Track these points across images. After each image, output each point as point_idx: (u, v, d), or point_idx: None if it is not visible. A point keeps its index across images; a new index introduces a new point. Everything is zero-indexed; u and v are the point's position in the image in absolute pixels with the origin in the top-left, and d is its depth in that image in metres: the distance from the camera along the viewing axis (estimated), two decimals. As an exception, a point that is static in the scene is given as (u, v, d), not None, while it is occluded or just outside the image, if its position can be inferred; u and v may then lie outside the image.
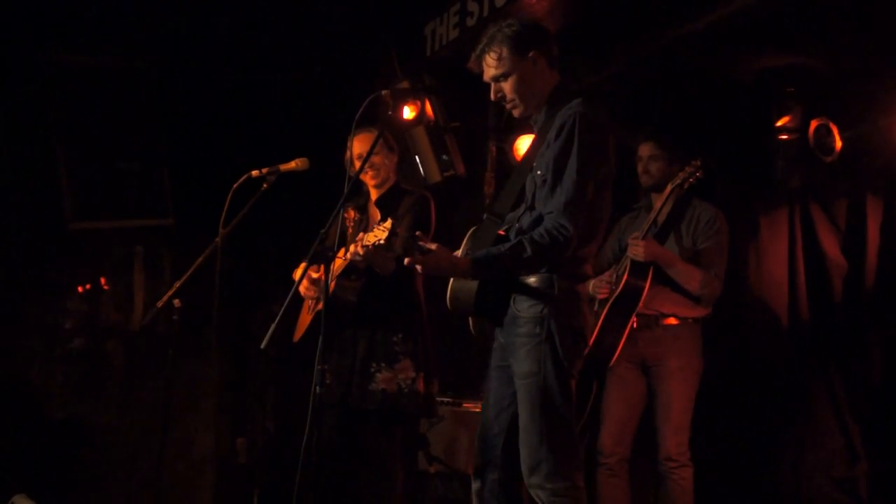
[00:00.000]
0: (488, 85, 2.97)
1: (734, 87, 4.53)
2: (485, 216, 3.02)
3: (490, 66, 2.91)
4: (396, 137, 4.30)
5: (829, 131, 4.24)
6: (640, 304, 3.88)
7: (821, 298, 4.43)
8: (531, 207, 2.90)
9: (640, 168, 4.14)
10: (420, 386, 3.85)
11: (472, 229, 3.07)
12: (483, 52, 2.91)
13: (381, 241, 2.97)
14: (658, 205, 4.05)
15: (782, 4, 3.75)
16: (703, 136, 4.71)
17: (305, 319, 4.10)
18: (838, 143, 4.22)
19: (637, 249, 3.86)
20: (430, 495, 4.71)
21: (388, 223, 2.93)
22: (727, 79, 4.51)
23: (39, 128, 5.24)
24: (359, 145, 3.91)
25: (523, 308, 2.81)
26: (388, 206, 3.99)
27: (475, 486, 2.98)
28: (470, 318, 3.10)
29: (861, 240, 4.32)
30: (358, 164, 3.94)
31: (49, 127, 5.26)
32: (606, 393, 4.11)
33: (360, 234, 3.37)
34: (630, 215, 4.32)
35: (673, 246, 4.02)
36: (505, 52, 2.87)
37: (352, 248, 3.63)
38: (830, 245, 4.42)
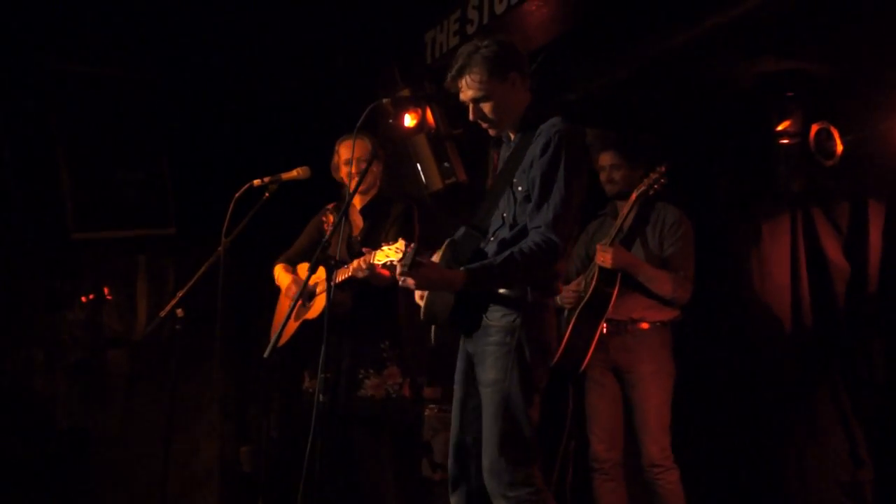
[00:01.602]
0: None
1: (735, 91, 4.54)
2: (463, 229, 3.03)
3: (469, 88, 2.90)
4: (386, 145, 4.32)
5: (830, 135, 4.24)
6: (609, 310, 3.90)
7: (824, 302, 4.42)
8: (513, 223, 2.91)
9: (603, 177, 4.17)
10: (406, 391, 3.92)
11: (447, 241, 3.08)
12: (460, 73, 2.90)
13: (392, 263, 2.97)
14: (624, 211, 4.05)
15: (783, 9, 3.75)
16: (703, 141, 4.72)
17: (288, 324, 4.08)
18: (839, 147, 4.22)
19: (605, 256, 3.87)
20: (435, 502, 4.71)
21: (401, 244, 2.91)
22: (727, 83, 4.51)
23: (42, 137, 5.26)
24: (347, 150, 3.96)
25: (495, 318, 2.84)
26: (372, 214, 4.01)
27: (452, 499, 2.99)
28: (433, 328, 3.11)
29: (863, 243, 4.31)
30: (344, 170, 3.99)
31: (52, 136, 5.27)
32: (588, 400, 4.11)
33: (367, 250, 3.40)
34: (596, 222, 4.33)
35: (640, 251, 4.03)
36: (485, 75, 2.87)
37: (356, 262, 3.64)
38: (832, 249, 4.41)
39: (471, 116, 3.00)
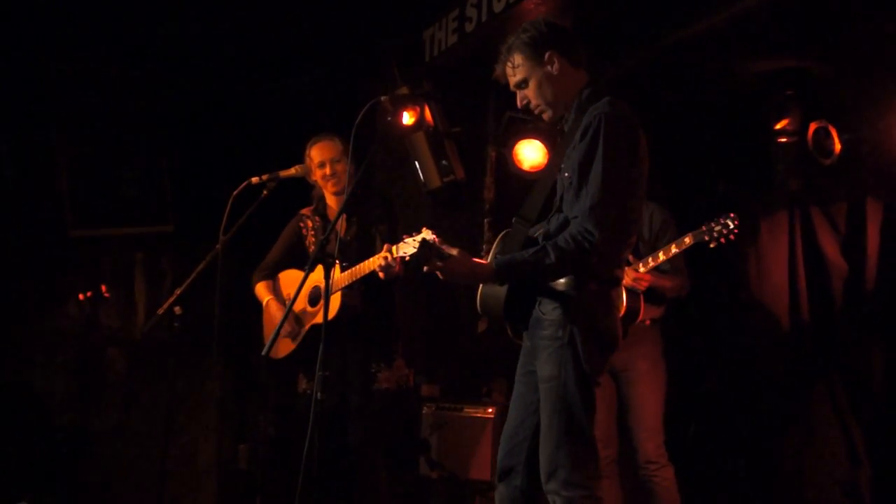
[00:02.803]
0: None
1: (733, 90, 4.54)
2: (514, 220, 2.96)
3: (510, 76, 2.89)
4: (375, 144, 4.32)
5: (829, 134, 4.24)
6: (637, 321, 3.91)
7: (821, 301, 4.43)
8: (559, 210, 2.84)
9: None
10: (411, 381, 3.97)
11: (502, 233, 3.03)
12: (503, 62, 2.89)
13: (407, 257, 2.95)
14: None
15: (781, 8, 3.75)
16: (702, 139, 4.72)
17: (285, 342, 4.08)
18: (837, 146, 4.22)
19: (641, 283, 3.85)
20: (432, 500, 4.71)
21: (428, 233, 2.86)
22: (726, 82, 4.51)
23: (41, 135, 5.26)
24: (318, 152, 3.97)
25: (547, 311, 2.76)
26: (355, 212, 4.01)
27: (498, 490, 2.95)
28: (507, 323, 3.07)
29: (861, 242, 4.31)
30: (318, 172, 4.00)
31: (50, 134, 5.27)
32: None
33: (387, 245, 3.46)
34: None
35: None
36: (520, 58, 2.84)
37: (379, 258, 3.60)
38: (830, 248, 4.42)
39: (518, 104, 2.94)
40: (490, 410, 4.62)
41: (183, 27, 5.22)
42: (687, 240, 3.81)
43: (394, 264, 3.56)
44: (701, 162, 4.76)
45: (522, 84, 2.87)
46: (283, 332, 4.00)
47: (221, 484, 5.63)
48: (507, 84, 2.93)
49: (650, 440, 3.90)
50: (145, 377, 5.40)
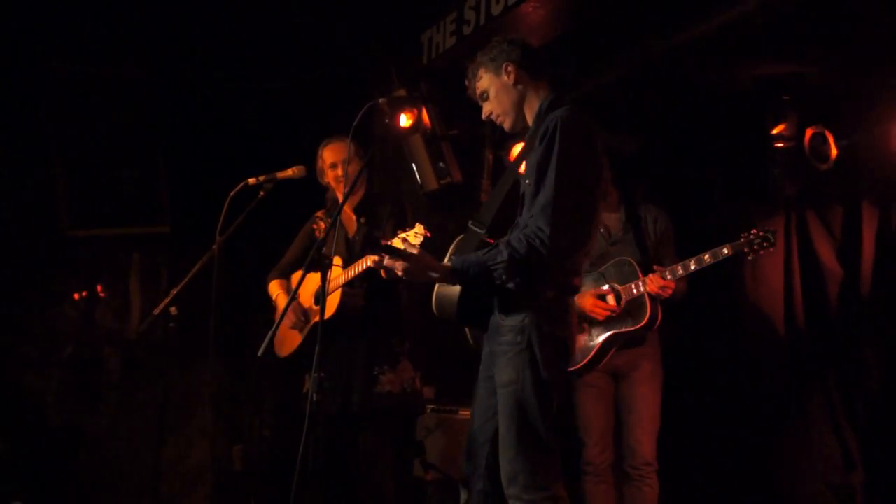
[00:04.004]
0: None
1: (730, 94, 4.55)
2: (469, 223, 3.01)
3: (475, 88, 3.05)
4: (375, 145, 4.32)
5: (825, 139, 4.24)
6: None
7: (817, 305, 4.43)
8: (520, 215, 2.90)
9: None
10: (417, 384, 3.94)
11: (458, 238, 3.06)
12: (470, 79, 3.06)
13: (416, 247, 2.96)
14: (615, 217, 4.10)
15: (778, 13, 3.76)
16: (699, 144, 4.73)
17: (293, 337, 4.08)
18: (834, 151, 4.23)
19: (667, 292, 3.81)
20: (426, 502, 4.70)
21: (420, 228, 2.86)
22: (723, 86, 4.52)
23: (37, 135, 5.25)
24: (329, 154, 3.97)
25: (507, 317, 2.79)
26: (367, 212, 4.02)
27: (463, 496, 2.99)
28: (466, 328, 3.11)
29: (856, 247, 4.32)
30: (330, 174, 4.01)
31: (46, 134, 5.26)
32: (582, 403, 4.08)
33: (381, 234, 3.43)
34: None
35: (634, 249, 4.02)
36: (482, 71, 3.01)
37: (367, 258, 3.62)
38: (826, 252, 4.43)
39: (483, 115, 3.07)
40: (485, 413, 4.61)
41: (180, 27, 5.22)
42: (725, 251, 3.72)
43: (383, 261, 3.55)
44: (698, 166, 4.77)
45: (484, 95, 3.03)
46: (288, 322, 4.00)
47: (215, 485, 5.62)
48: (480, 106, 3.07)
49: (650, 443, 3.91)
50: (140, 377, 5.39)
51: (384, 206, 4.05)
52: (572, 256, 2.81)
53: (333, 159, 3.98)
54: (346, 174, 3.96)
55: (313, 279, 4.01)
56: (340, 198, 4.09)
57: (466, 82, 3.08)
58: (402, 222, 3.96)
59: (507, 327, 2.78)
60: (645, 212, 4.13)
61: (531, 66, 2.99)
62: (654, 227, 4.09)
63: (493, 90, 3.00)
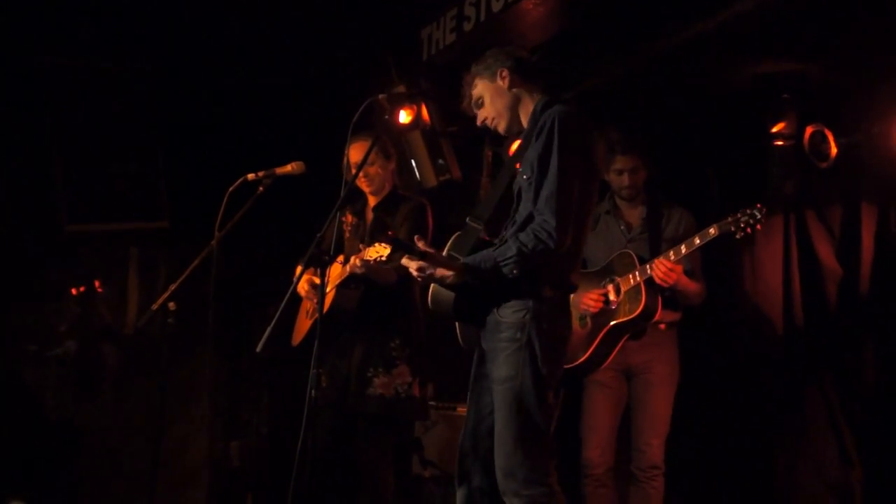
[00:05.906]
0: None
1: (729, 92, 4.54)
2: (467, 220, 3.04)
3: (470, 97, 3.09)
4: (393, 143, 4.31)
5: (824, 138, 4.24)
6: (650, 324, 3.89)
7: (815, 305, 4.43)
8: (516, 210, 2.93)
9: (626, 180, 4.10)
10: (415, 391, 3.89)
11: (455, 235, 3.09)
12: (465, 90, 3.11)
13: (383, 258, 2.96)
14: (636, 214, 4.10)
15: (778, 11, 3.75)
16: (698, 142, 4.72)
17: (304, 324, 4.11)
18: (833, 150, 4.22)
19: (671, 276, 3.71)
20: (424, 499, 4.71)
21: (381, 248, 2.92)
22: (722, 84, 4.51)
23: (35, 130, 5.24)
24: (355, 153, 3.93)
25: (506, 314, 2.81)
26: (385, 212, 4.01)
27: (459, 493, 2.99)
28: (457, 325, 3.12)
29: (856, 246, 4.32)
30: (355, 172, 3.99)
31: (45, 129, 5.25)
32: (590, 403, 4.07)
33: (361, 246, 3.40)
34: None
35: (648, 247, 4.01)
36: (477, 79, 3.06)
37: (352, 259, 3.65)
38: (825, 251, 4.42)
39: (478, 122, 3.11)
40: (483, 410, 4.61)
41: (179, 22, 5.20)
42: (712, 231, 3.58)
43: (360, 267, 3.56)
44: (697, 165, 4.77)
45: (479, 102, 3.07)
46: (307, 308, 4.00)
47: (213, 481, 5.62)
48: (475, 117, 3.11)
49: (658, 445, 3.91)
50: (138, 373, 5.38)
51: (401, 206, 4.03)
52: (577, 245, 2.86)
53: (356, 159, 3.94)
54: (367, 174, 3.96)
55: (336, 270, 3.99)
56: (367, 194, 4.09)
57: (463, 100, 3.13)
58: (419, 222, 3.93)
59: (507, 324, 2.79)
60: (669, 211, 4.10)
61: (525, 72, 3.04)
62: (677, 229, 4.05)
63: (487, 95, 3.03)
